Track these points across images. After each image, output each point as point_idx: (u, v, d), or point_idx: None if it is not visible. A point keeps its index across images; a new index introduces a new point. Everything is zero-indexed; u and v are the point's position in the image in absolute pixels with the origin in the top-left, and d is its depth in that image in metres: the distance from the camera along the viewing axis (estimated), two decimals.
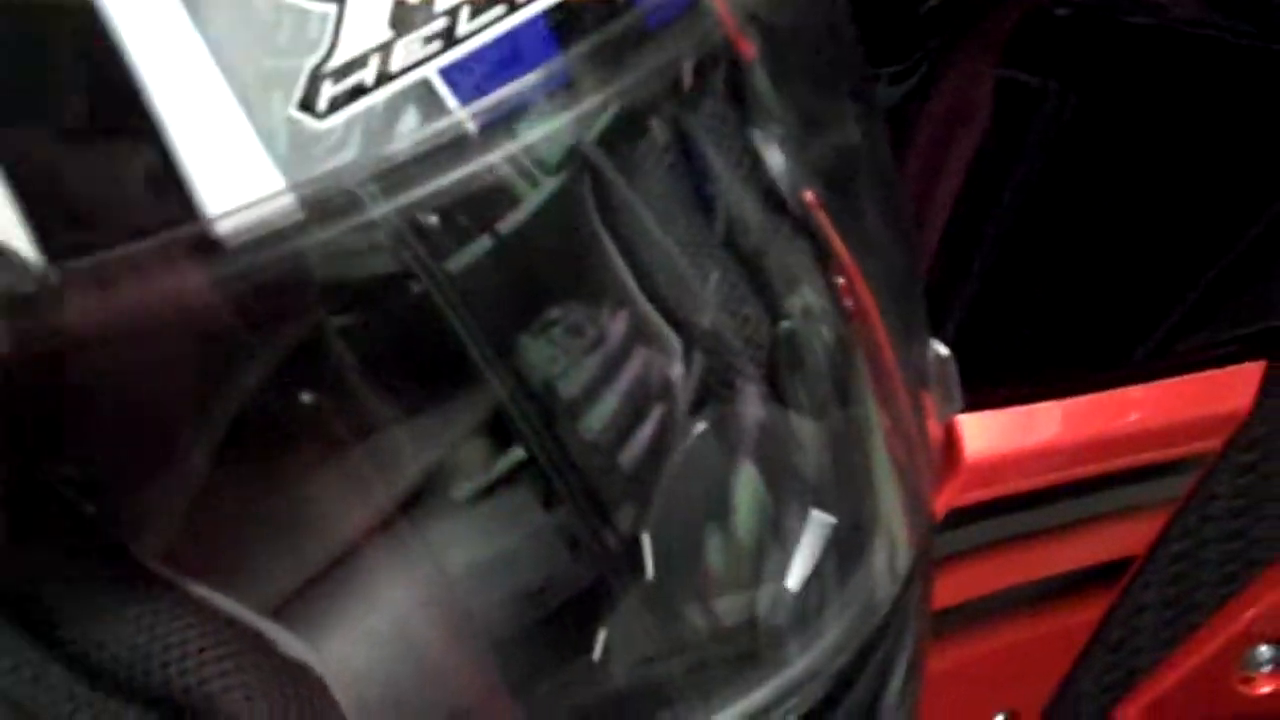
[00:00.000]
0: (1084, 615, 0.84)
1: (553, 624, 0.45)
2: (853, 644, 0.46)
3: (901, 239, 0.53)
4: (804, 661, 0.45)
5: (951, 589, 0.79)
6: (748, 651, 0.46)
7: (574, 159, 0.45)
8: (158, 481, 0.41)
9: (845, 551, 0.47)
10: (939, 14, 0.70)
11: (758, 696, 0.45)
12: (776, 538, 0.46)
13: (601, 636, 0.44)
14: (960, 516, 0.76)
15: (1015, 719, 0.87)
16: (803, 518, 0.46)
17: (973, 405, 0.73)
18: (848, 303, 0.51)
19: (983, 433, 0.75)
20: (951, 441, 0.74)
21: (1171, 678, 0.88)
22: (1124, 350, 0.78)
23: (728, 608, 0.46)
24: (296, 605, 0.44)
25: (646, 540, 0.44)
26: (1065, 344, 0.79)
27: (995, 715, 0.87)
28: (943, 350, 0.53)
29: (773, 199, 0.51)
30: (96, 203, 0.35)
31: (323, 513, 0.44)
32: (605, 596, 0.44)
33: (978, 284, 0.77)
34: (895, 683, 0.49)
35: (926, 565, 0.51)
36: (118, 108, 0.34)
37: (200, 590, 0.42)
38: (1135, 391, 0.77)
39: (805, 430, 0.48)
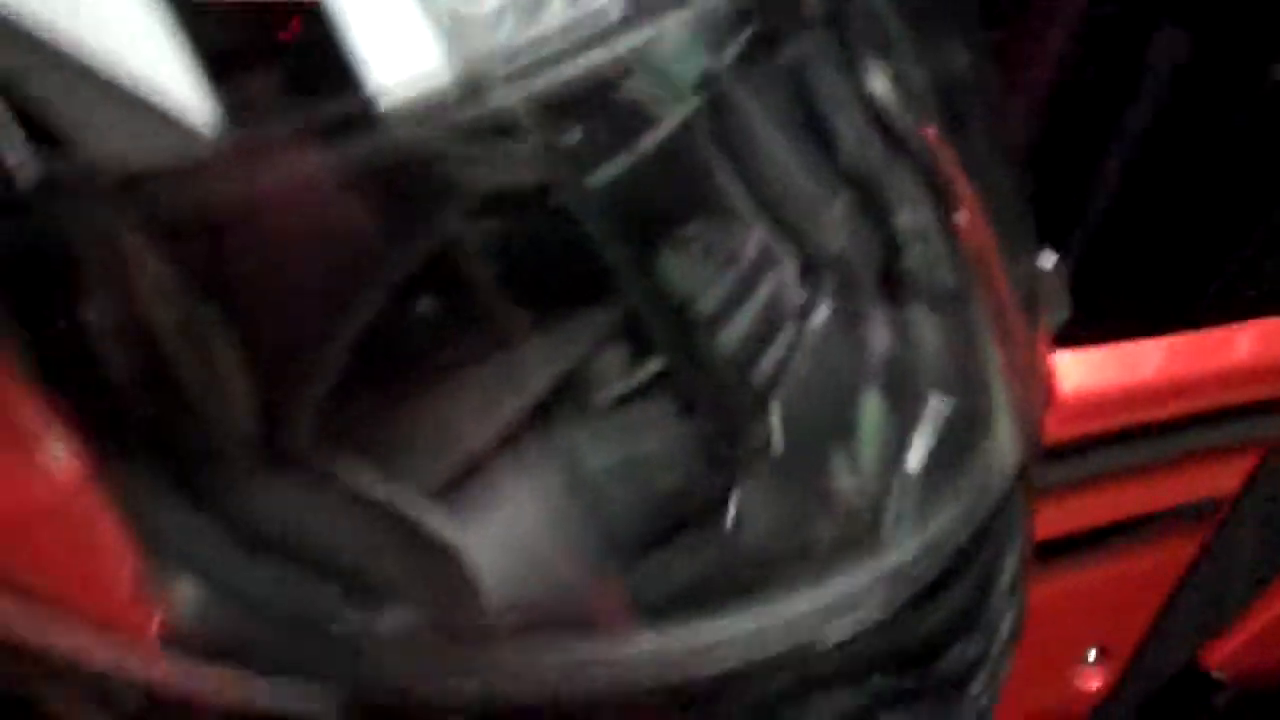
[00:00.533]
0: (1177, 554, 0.85)
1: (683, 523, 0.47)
2: (962, 533, 0.48)
3: (1007, 162, 0.55)
4: (914, 546, 0.47)
5: (1045, 523, 0.80)
6: (861, 535, 0.48)
7: (709, 83, 0.47)
8: (306, 362, 0.44)
9: (958, 442, 0.49)
10: None
11: (865, 576, 0.47)
12: (894, 430, 0.49)
13: (727, 524, 0.46)
14: (1056, 451, 0.78)
15: (1106, 655, 0.89)
16: (920, 407, 0.49)
17: (1073, 341, 0.76)
18: (959, 219, 0.53)
19: (1081, 368, 0.76)
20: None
21: (1262, 618, 0.89)
22: (1226, 290, 0.79)
23: (847, 491, 0.48)
24: (438, 500, 0.46)
25: (775, 432, 0.46)
26: (1169, 281, 0.80)
27: (1087, 650, 0.88)
28: (1050, 261, 0.55)
29: (888, 123, 0.53)
30: (267, 74, 0.37)
31: (465, 411, 0.46)
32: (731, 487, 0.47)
33: (1082, 221, 0.78)
34: (1004, 579, 0.51)
35: (1034, 467, 0.53)
36: None
37: (345, 474, 0.45)
38: (1236, 330, 0.78)
39: (922, 333, 0.50)
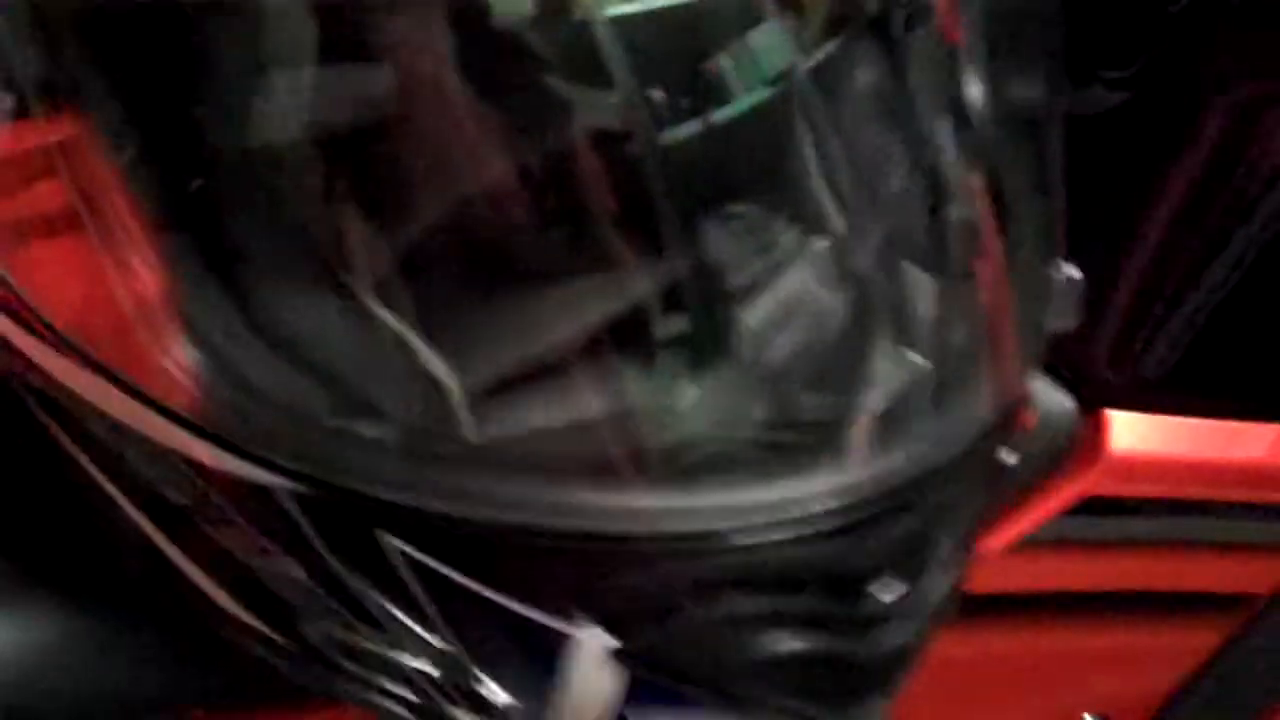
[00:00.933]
0: (1197, 641, 0.87)
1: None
2: (912, 475, 0.53)
3: (1051, 182, 0.60)
4: (867, 472, 0.52)
5: (1068, 575, 0.83)
6: (819, 449, 0.53)
7: (787, 77, 0.53)
8: (391, 212, 0.51)
9: (927, 398, 0.54)
10: (1180, 22, 0.74)
11: (817, 486, 0.52)
12: (869, 371, 0.54)
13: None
14: (1094, 506, 0.81)
15: None
16: (898, 360, 0.54)
17: (1129, 405, 0.79)
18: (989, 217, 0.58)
19: (1132, 432, 0.79)
20: (1099, 432, 0.79)
21: None
22: None
23: (815, 407, 0.54)
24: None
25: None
26: (1237, 369, 0.82)
27: (1086, 715, 0.90)
28: (1075, 273, 0.59)
29: (970, 124, 0.58)
30: None
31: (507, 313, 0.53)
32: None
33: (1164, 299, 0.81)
34: (942, 545, 0.55)
35: (997, 446, 0.57)
36: None
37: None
38: None
39: (924, 300, 0.55)
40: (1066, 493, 0.79)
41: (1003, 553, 0.80)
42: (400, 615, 0.54)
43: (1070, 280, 0.59)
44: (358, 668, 0.57)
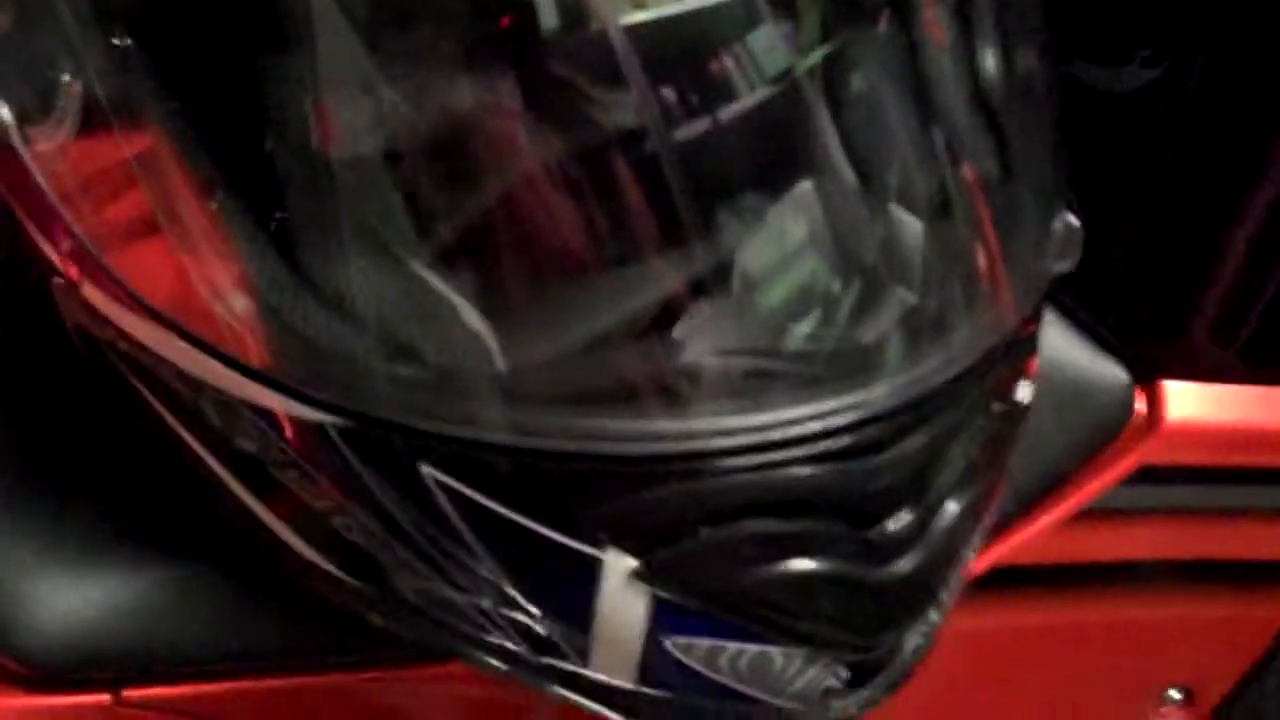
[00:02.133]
0: (1276, 611, 0.88)
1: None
2: (909, 393, 0.56)
3: (1049, 140, 0.64)
4: (880, 391, 0.56)
5: (1139, 544, 0.85)
6: (831, 371, 0.57)
7: (787, 78, 0.58)
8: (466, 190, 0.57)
9: (928, 324, 0.58)
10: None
11: (830, 404, 0.55)
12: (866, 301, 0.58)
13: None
14: (1157, 475, 0.83)
15: (1192, 698, 0.91)
16: (897, 292, 0.58)
17: (1185, 374, 0.81)
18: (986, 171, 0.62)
19: (1189, 401, 0.81)
20: (1156, 402, 0.81)
21: None
22: None
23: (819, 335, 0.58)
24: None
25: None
26: None
27: (1169, 686, 0.91)
28: (1074, 221, 0.62)
29: (986, 95, 0.62)
30: None
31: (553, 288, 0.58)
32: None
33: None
34: (950, 471, 0.59)
35: (1000, 376, 0.61)
36: None
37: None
38: None
39: (921, 236, 0.59)
40: (1125, 463, 0.82)
41: (1064, 523, 0.82)
42: (452, 552, 0.58)
43: (1070, 228, 0.63)
44: (441, 613, 0.62)
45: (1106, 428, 0.81)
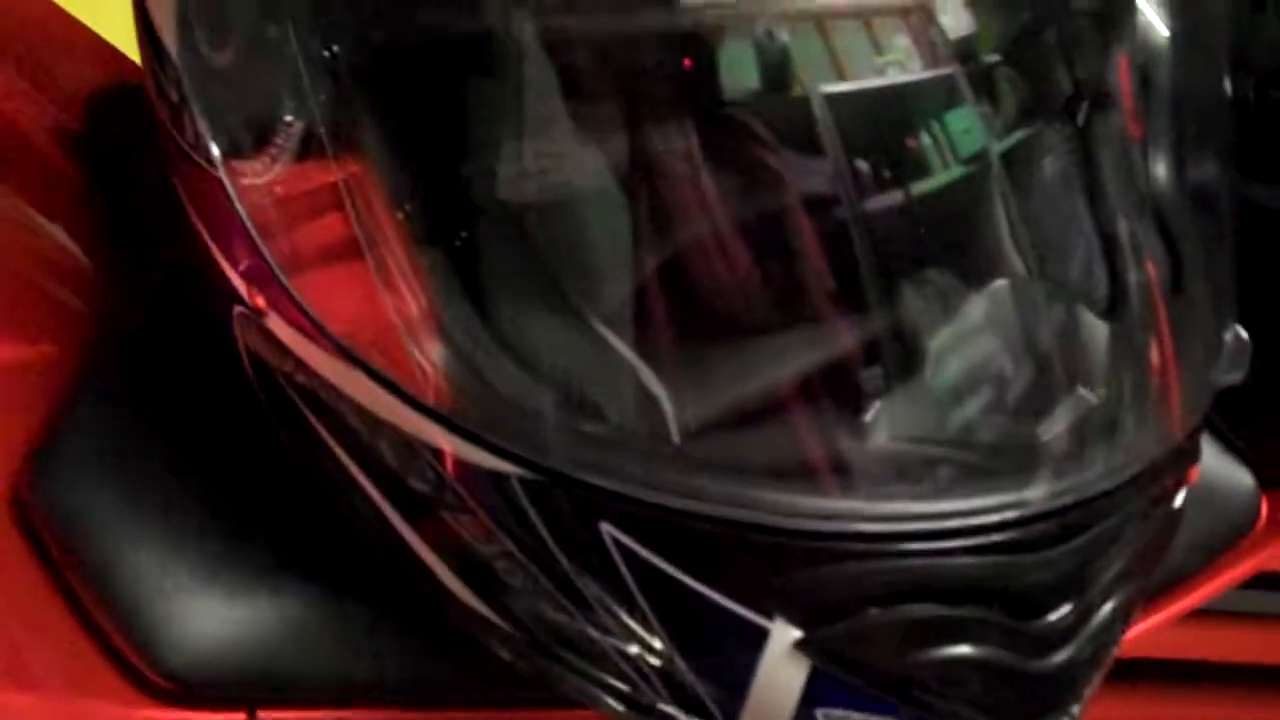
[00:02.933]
0: None
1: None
2: (1079, 494, 0.57)
3: (1225, 252, 0.65)
4: (1046, 491, 0.57)
5: (1245, 647, 0.86)
6: (1005, 467, 0.58)
7: (982, 157, 0.60)
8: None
9: (1099, 428, 0.59)
10: None
11: (989, 502, 0.56)
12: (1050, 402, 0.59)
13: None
14: (1273, 582, 0.83)
15: None
16: (1077, 393, 0.59)
17: None
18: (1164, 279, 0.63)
19: None
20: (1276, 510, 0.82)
21: None
22: None
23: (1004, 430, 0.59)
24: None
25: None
26: None
27: None
28: (1243, 334, 0.64)
29: (1157, 202, 0.64)
30: None
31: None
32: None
33: None
34: (1111, 569, 0.59)
35: (1163, 485, 0.61)
36: None
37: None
38: None
39: (1103, 340, 0.61)
40: (1245, 567, 0.82)
41: (1180, 620, 0.83)
42: (612, 603, 0.60)
43: (1239, 340, 0.64)
44: (574, 656, 0.63)
45: (1231, 532, 0.82)
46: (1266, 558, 0.82)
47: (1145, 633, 0.83)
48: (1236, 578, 0.82)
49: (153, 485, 0.73)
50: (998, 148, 0.61)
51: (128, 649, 0.70)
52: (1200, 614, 0.84)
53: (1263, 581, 0.83)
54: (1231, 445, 0.82)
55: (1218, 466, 0.82)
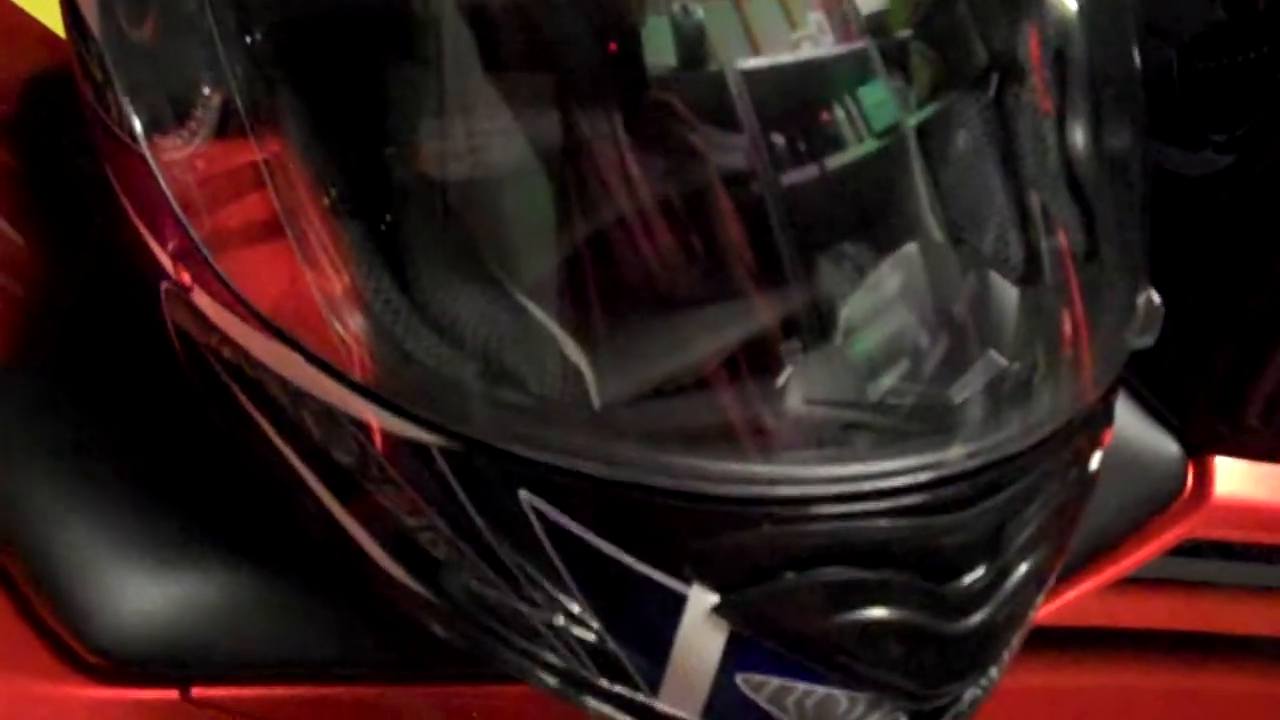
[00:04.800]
0: None
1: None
2: (991, 455, 0.58)
3: (1136, 219, 0.66)
4: (963, 451, 0.58)
5: (1172, 614, 0.87)
6: (906, 431, 0.59)
7: (895, 131, 0.61)
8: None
9: (1010, 392, 0.60)
10: None
11: (901, 464, 0.57)
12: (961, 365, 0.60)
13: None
14: (1200, 549, 0.85)
15: None
16: (989, 356, 0.60)
17: (1236, 452, 0.83)
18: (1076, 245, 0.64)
19: (1237, 478, 0.83)
20: (1204, 478, 0.83)
21: None
22: None
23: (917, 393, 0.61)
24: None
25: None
26: None
27: None
28: (1155, 299, 0.65)
29: (1074, 169, 0.65)
30: None
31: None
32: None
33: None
34: (1026, 530, 0.60)
35: (1077, 446, 0.62)
36: None
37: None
38: None
39: (1014, 304, 0.62)
40: (1171, 534, 0.84)
41: (1108, 589, 0.84)
42: (535, 573, 0.60)
43: (1151, 305, 0.65)
44: (504, 630, 0.64)
45: (1157, 499, 0.83)
46: (1192, 525, 0.83)
47: (1073, 600, 0.84)
48: (1163, 545, 0.84)
49: (84, 464, 0.73)
50: (911, 120, 0.62)
51: (59, 626, 0.70)
52: (1128, 582, 0.85)
53: (1189, 549, 0.84)
54: (1157, 413, 0.83)
55: (1143, 434, 0.83)
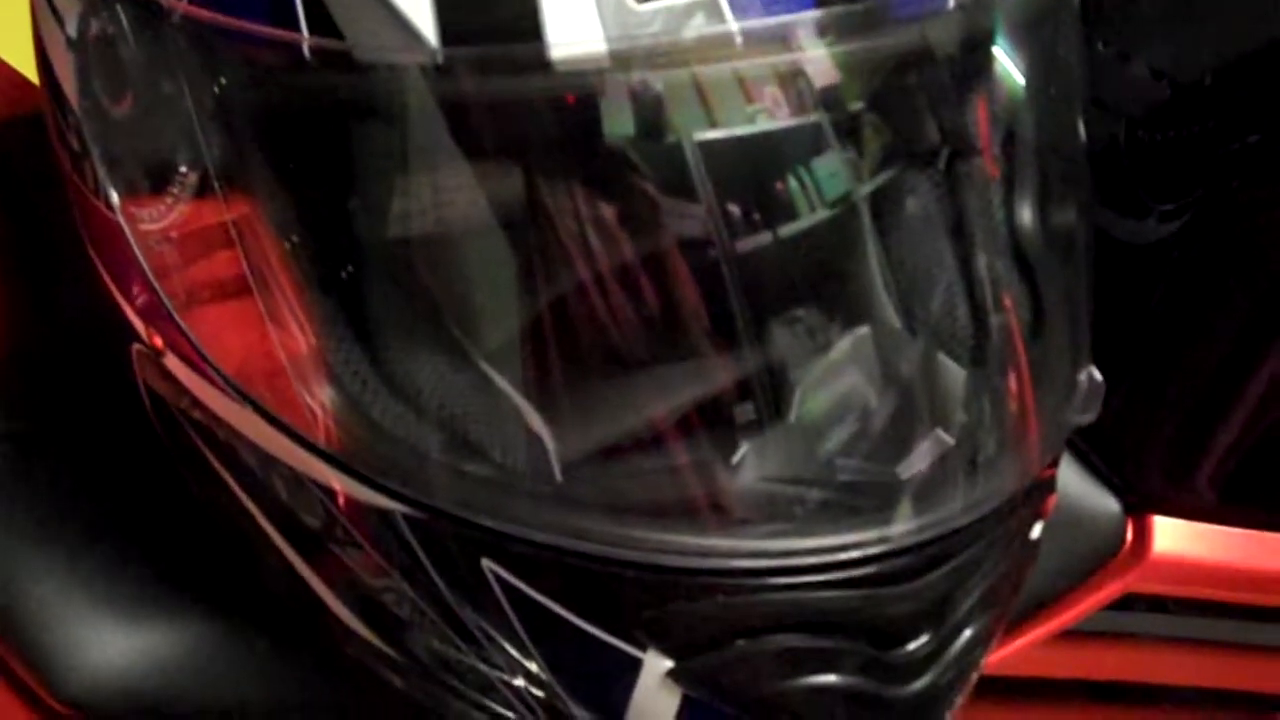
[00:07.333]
0: None
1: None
2: (938, 530, 0.60)
3: (1081, 294, 0.68)
4: (911, 527, 0.60)
5: (1119, 666, 0.90)
6: (868, 504, 0.61)
7: (846, 201, 0.63)
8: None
9: (957, 469, 0.62)
10: (1237, 160, 0.82)
11: (852, 539, 0.59)
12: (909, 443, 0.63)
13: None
14: (1138, 603, 0.87)
15: None
16: (936, 435, 0.62)
17: (1174, 511, 0.86)
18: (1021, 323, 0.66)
19: (1175, 537, 0.86)
20: (1143, 535, 0.86)
21: None
22: None
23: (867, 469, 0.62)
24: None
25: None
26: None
27: None
28: (1097, 375, 0.67)
29: (1021, 245, 0.67)
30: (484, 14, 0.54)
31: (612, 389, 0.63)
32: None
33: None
34: (970, 598, 0.63)
35: (1021, 519, 0.65)
36: None
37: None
38: None
39: (960, 384, 0.65)
40: (1111, 589, 0.86)
41: (1051, 640, 0.87)
42: (495, 636, 0.62)
43: (1093, 381, 0.67)
44: (463, 686, 0.66)
45: (1097, 555, 0.86)
46: (1131, 580, 0.86)
47: (1016, 651, 0.86)
48: (1104, 599, 0.86)
49: (54, 515, 0.75)
50: (862, 191, 0.64)
51: (29, 676, 0.72)
52: (1071, 634, 0.87)
53: (1127, 603, 0.87)
54: (1097, 471, 0.86)
55: (1084, 492, 0.86)
